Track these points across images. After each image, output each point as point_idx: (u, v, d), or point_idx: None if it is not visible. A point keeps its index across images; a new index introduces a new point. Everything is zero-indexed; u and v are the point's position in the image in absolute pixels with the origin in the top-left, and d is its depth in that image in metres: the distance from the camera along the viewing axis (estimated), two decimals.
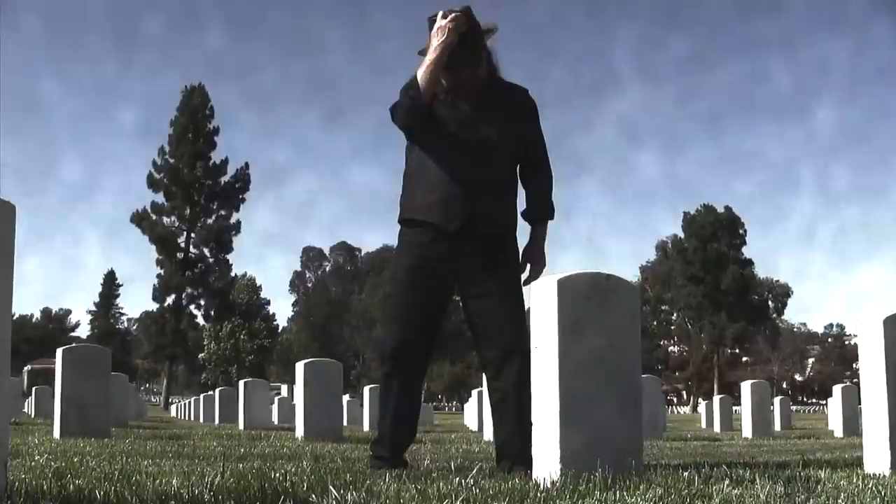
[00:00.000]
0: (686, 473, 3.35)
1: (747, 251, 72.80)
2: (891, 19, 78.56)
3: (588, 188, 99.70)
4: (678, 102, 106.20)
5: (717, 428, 16.93)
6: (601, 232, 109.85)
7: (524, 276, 3.90)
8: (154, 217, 54.89)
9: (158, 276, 55.78)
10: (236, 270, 62.35)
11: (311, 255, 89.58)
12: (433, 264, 3.79)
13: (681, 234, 74.29)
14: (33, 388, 21.54)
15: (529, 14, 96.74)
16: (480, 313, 3.76)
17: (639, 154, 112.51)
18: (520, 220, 3.94)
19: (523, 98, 3.93)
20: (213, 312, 61.45)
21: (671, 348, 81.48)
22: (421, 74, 3.70)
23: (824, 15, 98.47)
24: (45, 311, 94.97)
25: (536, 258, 3.95)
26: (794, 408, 39.65)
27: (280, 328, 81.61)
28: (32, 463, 3.93)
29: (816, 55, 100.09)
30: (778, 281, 78.10)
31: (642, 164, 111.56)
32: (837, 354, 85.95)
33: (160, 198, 55.10)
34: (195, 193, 55.20)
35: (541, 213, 3.98)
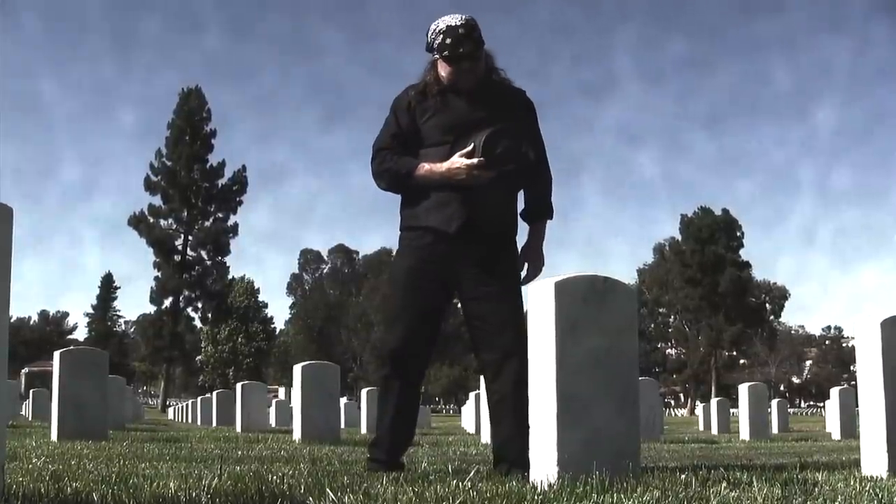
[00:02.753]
0: (683, 476, 3.35)
1: (745, 253, 72.98)
2: (891, 19, 78.79)
3: (587, 189, 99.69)
4: (678, 103, 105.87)
5: (714, 430, 16.94)
6: (599, 234, 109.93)
7: (522, 275, 3.90)
8: (151, 220, 54.93)
9: (156, 278, 55.85)
10: (234, 273, 62.52)
11: (309, 258, 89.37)
12: (433, 266, 3.79)
13: (678, 237, 74.36)
14: (31, 391, 21.55)
15: (529, 15, 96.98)
16: (479, 316, 3.75)
17: (638, 156, 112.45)
18: (520, 223, 3.94)
19: (520, 98, 3.93)
20: (210, 315, 61.48)
21: (669, 351, 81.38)
22: (421, 177, 3.74)
23: (825, 15, 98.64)
24: (43, 314, 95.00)
25: (534, 257, 3.95)
26: (791, 410, 39.71)
27: (277, 331, 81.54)
28: (30, 466, 3.92)
29: (817, 56, 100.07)
30: (775, 283, 78.20)
31: (641, 165, 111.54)
32: (835, 356, 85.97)
33: (157, 200, 55.21)
34: (192, 196, 55.24)
35: (539, 212, 3.98)
